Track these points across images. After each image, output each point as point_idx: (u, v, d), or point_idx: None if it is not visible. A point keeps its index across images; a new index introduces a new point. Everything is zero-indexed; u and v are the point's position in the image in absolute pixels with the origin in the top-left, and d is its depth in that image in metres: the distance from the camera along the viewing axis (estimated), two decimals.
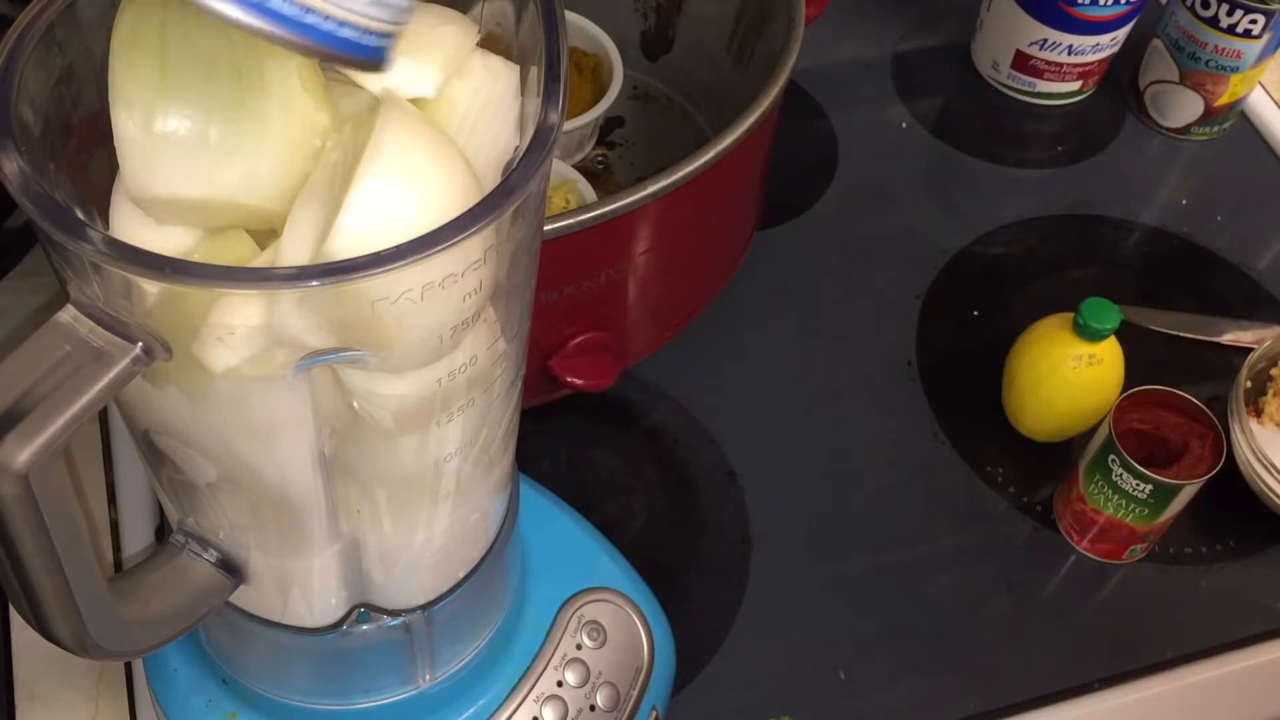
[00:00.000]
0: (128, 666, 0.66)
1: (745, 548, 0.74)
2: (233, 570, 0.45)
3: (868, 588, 0.73)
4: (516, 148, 0.39)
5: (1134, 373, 0.75)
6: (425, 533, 0.46)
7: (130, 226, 0.36)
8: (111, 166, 0.35)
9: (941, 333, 0.84)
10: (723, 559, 0.73)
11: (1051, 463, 0.77)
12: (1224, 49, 0.90)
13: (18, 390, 0.32)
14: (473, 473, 0.45)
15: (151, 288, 0.32)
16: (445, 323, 0.35)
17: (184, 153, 0.33)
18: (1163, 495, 0.68)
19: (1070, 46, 0.94)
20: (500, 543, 0.52)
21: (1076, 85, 0.98)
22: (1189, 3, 0.90)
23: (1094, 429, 0.73)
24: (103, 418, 0.75)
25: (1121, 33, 0.94)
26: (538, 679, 0.58)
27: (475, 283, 0.35)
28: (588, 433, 0.78)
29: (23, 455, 0.32)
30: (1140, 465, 0.67)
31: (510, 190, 0.34)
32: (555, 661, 0.59)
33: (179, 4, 0.34)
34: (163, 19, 0.34)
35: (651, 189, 0.63)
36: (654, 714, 0.62)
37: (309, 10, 0.29)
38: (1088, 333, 0.72)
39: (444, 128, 0.37)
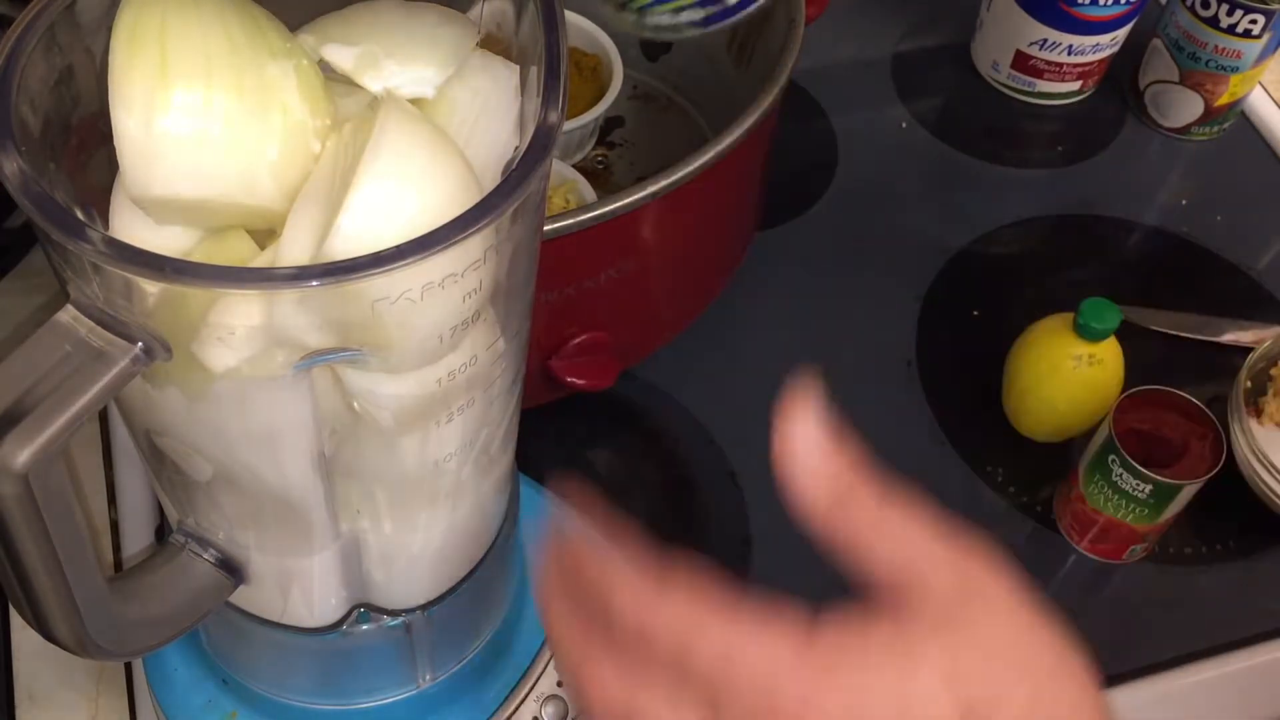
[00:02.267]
0: (127, 666, 0.66)
1: (745, 548, 0.74)
2: (233, 570, 0.45)
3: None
4: (516, 148, 0.39)
5: (1134, 373, 0.75)
6: (425, 533, 0.46)
7: (130, 226, 0.36)
8: (111, 166, 0.35)
9: (941, 333, 0.84)
10: (723, 559, 0.73)
11: (1051, 463, 0.77)
12: (1224, 49, 0.90)
13: (18, 390, 0.33)
14: (473, 473, 0.45)
15: (151, 288, 0.32)
16: (445, 322, 0.35)
17: (184, 153, 0.33)
18: (1163, 495, 0.68)
19: (1070, 46, 0.94)
20: (500, 543, 0.52)
21: (1076, 85, 0.98)
22: (1189, 3, 0.90)
23: (1094, 429, 0.73)
24: (103, 418, 0.75)
25: (1121, 33, 0.94)
26: (538, 679, 0.58)
27: (475, 282, 0.35)
28: (588, 433, 0.78)
29: (23, 455, 0.32)
30: (1140, 465, 0.67)
31: (510, 190, 0.34)
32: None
33: (179, 4, 0.34)
34: (162, 19, 0.34)
35: (651, 189, 0.63)
36: None
37: None
38: (1088, 333, 0.72)
39: (443, 128, 0.37)
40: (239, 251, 0.36)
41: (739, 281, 0.82)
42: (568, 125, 0.80)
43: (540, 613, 0.38)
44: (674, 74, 0.90)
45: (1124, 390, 0.72)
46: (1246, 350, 0.80)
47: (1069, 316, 0.73)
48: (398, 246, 0.32)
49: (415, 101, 0.37)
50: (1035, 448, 0.78)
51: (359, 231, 0.32)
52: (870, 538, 0.36)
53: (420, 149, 0.34)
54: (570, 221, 0.61)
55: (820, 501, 0.37)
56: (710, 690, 0.34)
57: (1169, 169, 0.97)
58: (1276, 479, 0.72)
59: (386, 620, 0.50)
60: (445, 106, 0.38)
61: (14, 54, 0.34)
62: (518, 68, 0.39)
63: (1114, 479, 0.69)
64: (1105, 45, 0.95)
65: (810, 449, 0.37)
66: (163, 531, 0.70)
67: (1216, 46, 0.90)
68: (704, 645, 0.34)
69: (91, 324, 0.33)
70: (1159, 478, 0.67)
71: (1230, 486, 0.74)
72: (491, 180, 0.38)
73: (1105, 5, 0.90)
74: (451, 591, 0.50)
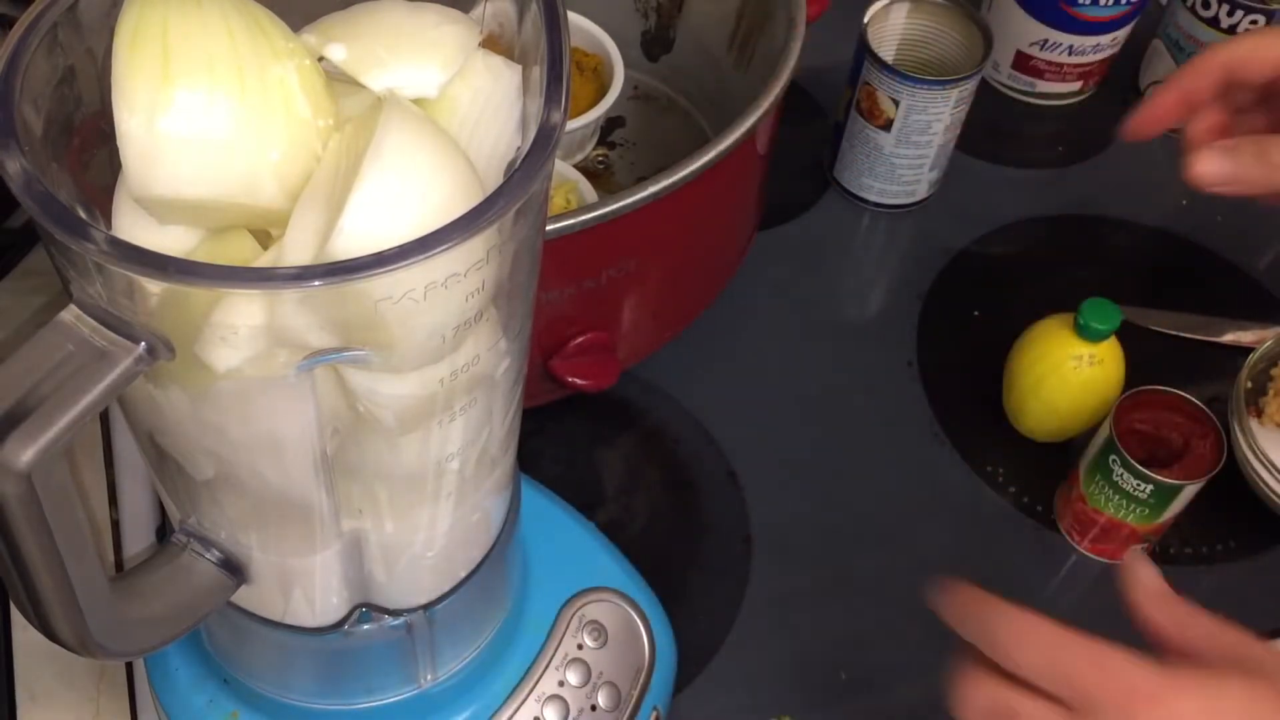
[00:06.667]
0: (129, 666, 0.66)
1: (745, 548, 0.74)
2: (234, 570, 0.45)
3: (868, 587, 0.73)
4: (519, 148, 0.39)
5: (1134, 373, 0.75)
6: (427, 532, 0.46)
7: (132, 226, 0.36)
8: (114, 166, 0.35)
9: (941, 333, 0.84)
10: (723, 559, 0.73)
11: (1052, 463, 0.77)
12: None
13: (20, 390, 0.33)
14: (474, 472, 0.45)
15: (154, 287, 0.32)
16: (448, 322, 0.35)
17: (186, 153, 0.34)
18: (1163, 495, 0.68)
19: (1070, 47, 0.94)
20: (501, 542, 0.52)
21: (1077, 85, 0.98)
22: (1189, 3, 0.90)
23: (1094, 429, 0.73)
24: (104, 418, 0.75)
25: (1122, 33, 0.94)
26: (539, 679, 0.58)
27: (477, 282, 0.35)
28: (588, 433, 0.78)
29: (25, 455, 0.32)
30: (1141, 465, 0.67)
31: (513, 190, 0.34)
32: (556, 661, 0.59)
33: (181, 4, 0.34)
34: (165, 19, 0.34)
35: (652, 189, 0.63)
36: (655, 714, 0.62)
37: None
38: (1088, 333, 0.72)
39: (446, 128, 0.37)
40: (242, 251, 0.36)
41: (739, 281, 0.82)
42: (569, 125, 0.80)
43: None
44: (674, 74, 0.90)
45: (1124, 390, 0.72)
46: (1246, 350, 0.80)
47: (1069, 317, 0.73)
48: (400, 246, 0.32)
49: (418, 101, 0.37)
50: (1036, 448, 0.78)
51: (362, 231, 0.32)
52: (1200, 634, 0.48)
53: (423, 149, 0.34)
54: (571, 221, 0.61)
55: (1157, 614, 0.49)
56: (1078, 691, 0.44)
57: (1169, 169, 0.96)
58: (1277, 479, 0.72)
59: (388, 620, 0.50)
60: (447, 106, 0.38)
61: (16, 54, 0.34)
62: (520, 68, 0.39)
63: (1115, 479, 0.69)
64: (1105, 46, 0.95)
65: (1150, 581, 0.50)
66: (164, 531, 0.70)
67: None
68: (1078, 653, 0.45)
69: (94, 324, 0.33)
70: (1160, 478, 0.67)
71: (1230, 486, 0.74)
72: (494, 180, 0.38)
73: (1105, 5, 0.91)
74: (453, 591, 0.50)
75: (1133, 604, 0.50)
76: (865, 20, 0.85)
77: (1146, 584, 0.50)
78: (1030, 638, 0.46)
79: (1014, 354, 0.77)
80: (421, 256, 0.32)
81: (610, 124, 0.88)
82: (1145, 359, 0.78)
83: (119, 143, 0.33)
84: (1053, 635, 0.46)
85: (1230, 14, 0.88)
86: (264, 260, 0.36)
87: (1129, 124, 0.64)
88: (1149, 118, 0.63)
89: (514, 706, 0.57)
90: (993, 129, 0.97)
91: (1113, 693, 0.44)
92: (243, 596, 0.47)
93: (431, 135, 0.35)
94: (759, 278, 0.84)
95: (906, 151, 0.86)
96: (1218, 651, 0.47)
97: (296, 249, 0.34)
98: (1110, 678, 0.44)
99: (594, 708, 0.59)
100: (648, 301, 0.74)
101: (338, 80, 0.37)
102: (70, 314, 0.34)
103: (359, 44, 0.37)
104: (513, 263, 0.37)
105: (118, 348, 0.33)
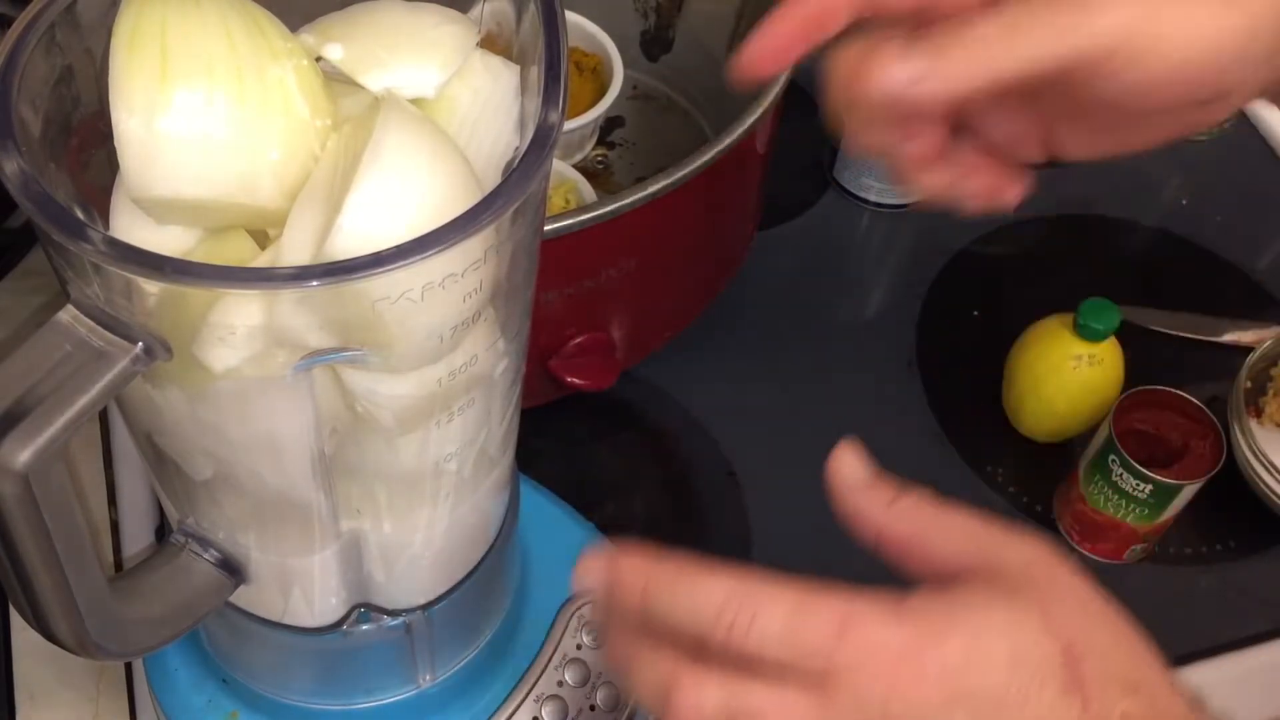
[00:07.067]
0: (128, 666, 0.66)
1: (745, 548, 0.74)
2: (233, 570, 0.45)
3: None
4: (517, 148, 0.39)
5: (1134, 373, 0.75)
6: (425, 532, 0.46)
7: (130, 226, 0.36)
8: (111, 166, 0.35)
9: (941, 333, 0.84)
10: (722, 559, 0.73)
11: (1051, 463, 0.77)
12: None
13: (18, 390, 0.33)
14: (473, 472, 0.45)
15: (152, 288, 0.32)
16: (445, 322, 0.35)
17: (184, 153, 0.34)
18: (1163, 495, 0.68)
19: None
20: (500, 542, 0.52)
21: None
22: None
23: (1094, 429, 0.73)
24: (103, 418, 0.75)
25: None
26: (538, 679, 0.58)
27: (475, 282, 0.35)
28: (588, 433, 0.78)
29: (23, 455, 0.32)
30: (1140, 465, 0.67)
31: (510, 190, 0.34)
32: (555, 661, 0.59)
33: (179, 5, 0.34)
34: (163, 20, 0.34)
35: (651, 189, 0.63)
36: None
37: None
38: (1088, 333, 0.72)
39: (444, 128, 0.37)
40: (240, 251, 0.36)
41: (739, 281, 0.82)
42: (568, 125, 0.80)
43: (609, 646, 0.39)
44: (674, 74, 0.90)
45: (1124, 390, 0.72)
46: (1246, 350, 0.80)
47: (1069, 317, 0.73)
48: (398, 246, 0.32)
49: (416, 101, 0.37)
50: (1035, 448, 0.78)
51: (359, 231, 0.32)
52: (934, 532, 0.41)
53: (421, 149, 0.34)
54: (570, 221, 0.61)
55: (875, 509, 0.41)
56: (823, 661, 0.36)
57: (1169, 169, 0.97)
58: (1276, 479, 0.72)
59: (387, 620, 0.50)
60: (446, 106, 0.38)
61: (14, 54, 0.34)
62: (518, 67, 0.39)
63: (1114, 479, 0.69)
64: None
65: (858, 473, 0.42)
66: (163, 531, 0.70)
67: None
68: (818, 615, 0.36)
69: (92, 324, 0.33)
70: (1159, 478, 0.67)
71: (1230, 486, 0.74)
72: (492, 180, 0.38)
73: None
74: (452, 591, 0.50)
75: (848, 513, 0.41)
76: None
77: (857, 482, 0.41)
78: (756, 606, 0.37)
79: (1013, 354, 0.77)
80: (419, 257, 0.32)
81: (610, 124, 0.88)
82: (1145, 359, 0.77)
83: (117, 143, 0.33)
84: (781, 598, 0.37)
85: None
86: (262, 260, 0.36)
87: (741, 60, 0.41)
88: (769, 47, 0.42)
89: (513, 706, 0.57)
90: None
91: (862, 657, 0.36)
92: (241, 597, 0.47)
93: (430, 135, 0.35)
94: (759, 278, 0.84)
95: None
96: (970, 567, 0.39)
97: (294, 249, 0.34)
98: (856, 639, 0.36)
99: (593, 708, 0.59)
100: (648, 301, 0.74)
101: (336, 80, 0.37)
102: (68, 314, 0.34)
103: (357, 44, 0.37)
104: (510, 263, 0.37)
105: (115, 348, 0.33)
